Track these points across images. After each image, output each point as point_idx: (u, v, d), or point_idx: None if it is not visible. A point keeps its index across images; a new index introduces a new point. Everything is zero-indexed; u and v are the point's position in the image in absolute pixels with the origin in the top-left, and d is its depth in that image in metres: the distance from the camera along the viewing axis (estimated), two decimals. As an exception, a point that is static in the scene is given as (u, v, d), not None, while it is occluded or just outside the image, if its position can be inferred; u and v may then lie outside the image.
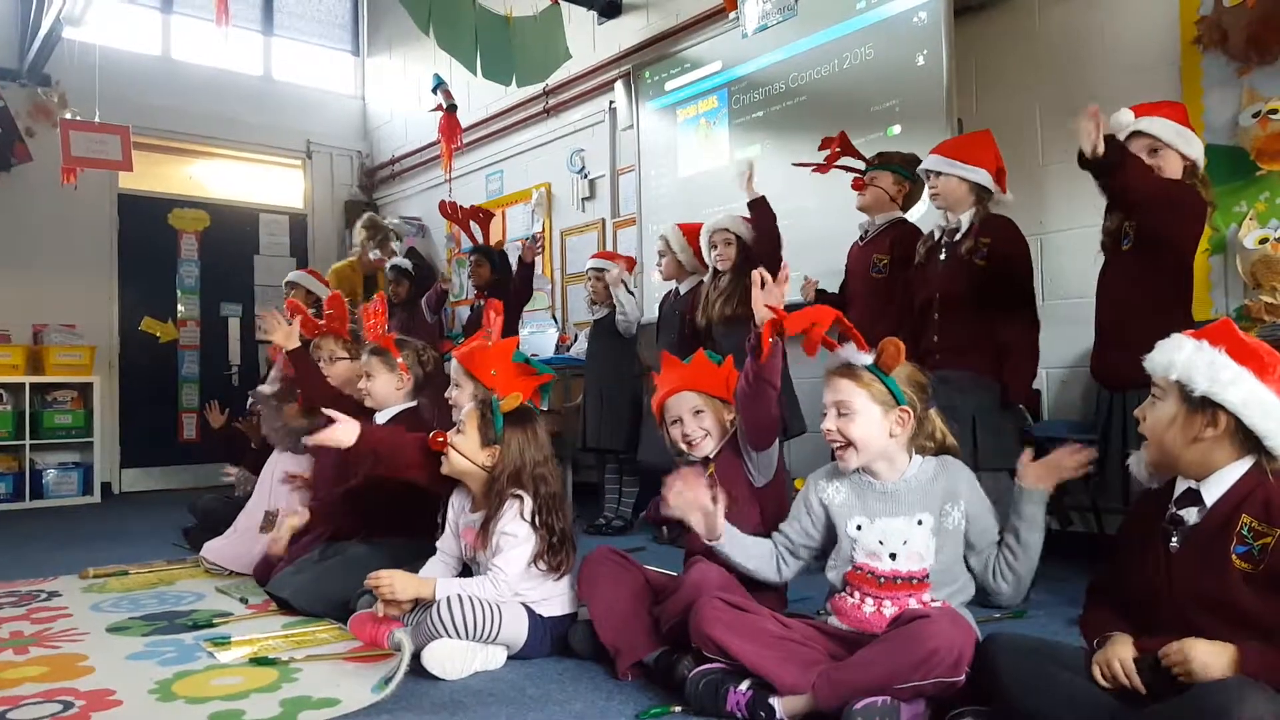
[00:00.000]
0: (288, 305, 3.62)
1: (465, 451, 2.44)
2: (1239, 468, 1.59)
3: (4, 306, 6.56)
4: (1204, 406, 1.58)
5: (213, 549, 3.61)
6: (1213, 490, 1.61)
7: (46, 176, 6.15)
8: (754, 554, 2.17)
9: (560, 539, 2.41)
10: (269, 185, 8.08)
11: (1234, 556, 1.54)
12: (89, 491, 6.56)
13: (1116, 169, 2.52)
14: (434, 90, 5.55)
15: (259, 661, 2.35)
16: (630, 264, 4.85)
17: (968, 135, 3.32)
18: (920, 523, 1.98)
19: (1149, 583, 1.65)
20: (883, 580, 1.98)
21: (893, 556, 1.98)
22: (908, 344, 2.04)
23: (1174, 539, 1.63)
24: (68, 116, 5.83)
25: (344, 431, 2.57)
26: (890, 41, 4.25)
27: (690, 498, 2.12)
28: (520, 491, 2.40)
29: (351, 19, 8.39)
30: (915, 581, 1.96)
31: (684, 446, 2.42)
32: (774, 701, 1.84)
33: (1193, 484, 1.64)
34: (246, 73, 7.81)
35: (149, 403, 7.24)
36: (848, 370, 2.03)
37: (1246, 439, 1.58)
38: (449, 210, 5.52)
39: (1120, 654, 1.59)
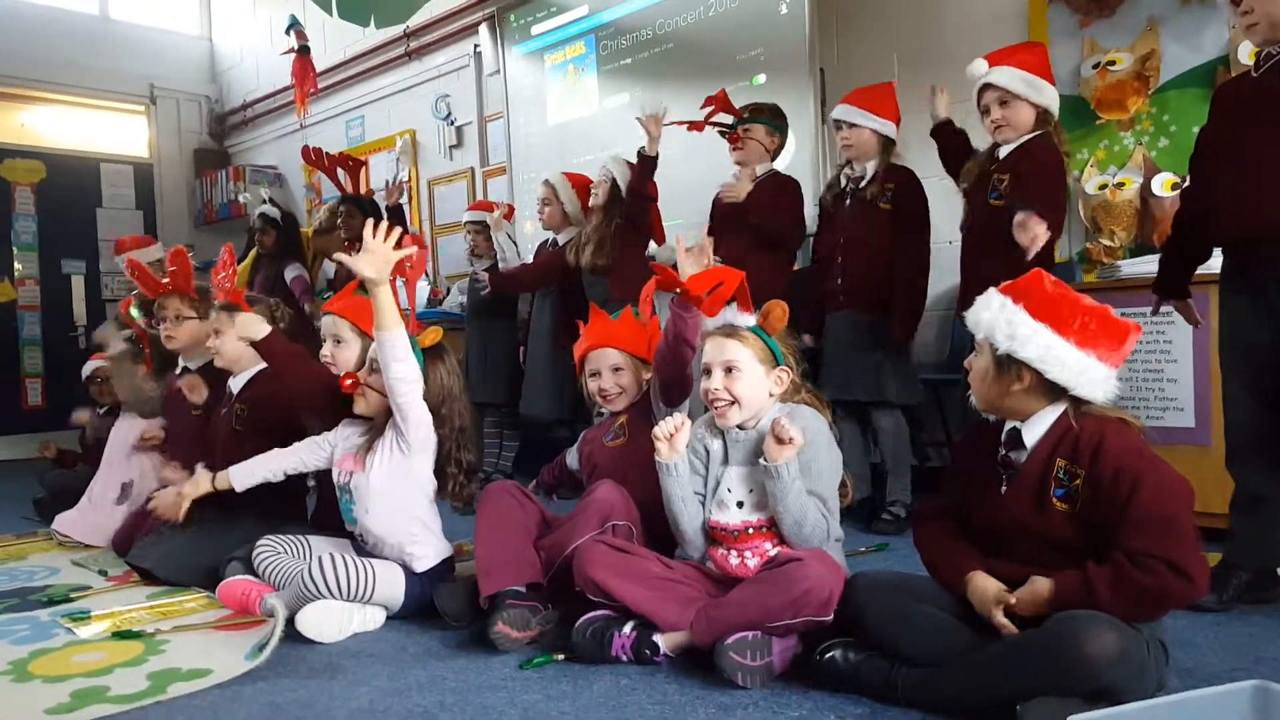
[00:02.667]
0: (128, 266, 3.40)
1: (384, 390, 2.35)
2: (1052, 413, 1.68)
3: None
4: (1010, 362, 1.67)
5: (66, 521, 3.43)
6: (1032, 433, 1.69)
7: None
8: (686, 493, 2.13)
9: (468, 474, 2.44)
10: (110, 133, 7.56)
11: (1054, 499, 1.64)
12: (-77, 464, 6.13)
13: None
14: (288, 31, 5.28)
15: (122, 635, 2.27)
16: (509, 212, 4.78)
17: (875, 87, 3.36)
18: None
19: (988, 517, 1.75)
20: (736, 534, 2.04)
21: (739, 505, 2.05)
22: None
23: (1003, 482, 1.73)
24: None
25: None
26: (754, -12, 4.26)
27: (669, 426, 2.10)
28: None
29: (194, -47, 7.87)
30: (765, 530, 2.02)
31: (599, 399, 2.49)
32: (657, 638, 1.92)
33: (1017, 424, 1.72)
34: (81, 10, 7.24)
35: (-14, 368, 6.76)
36: (732, 331, 2.06)
37: (1053, 388, 1.66)
38: (313, 156, 5.27)
39: (998, 596, 1.65)
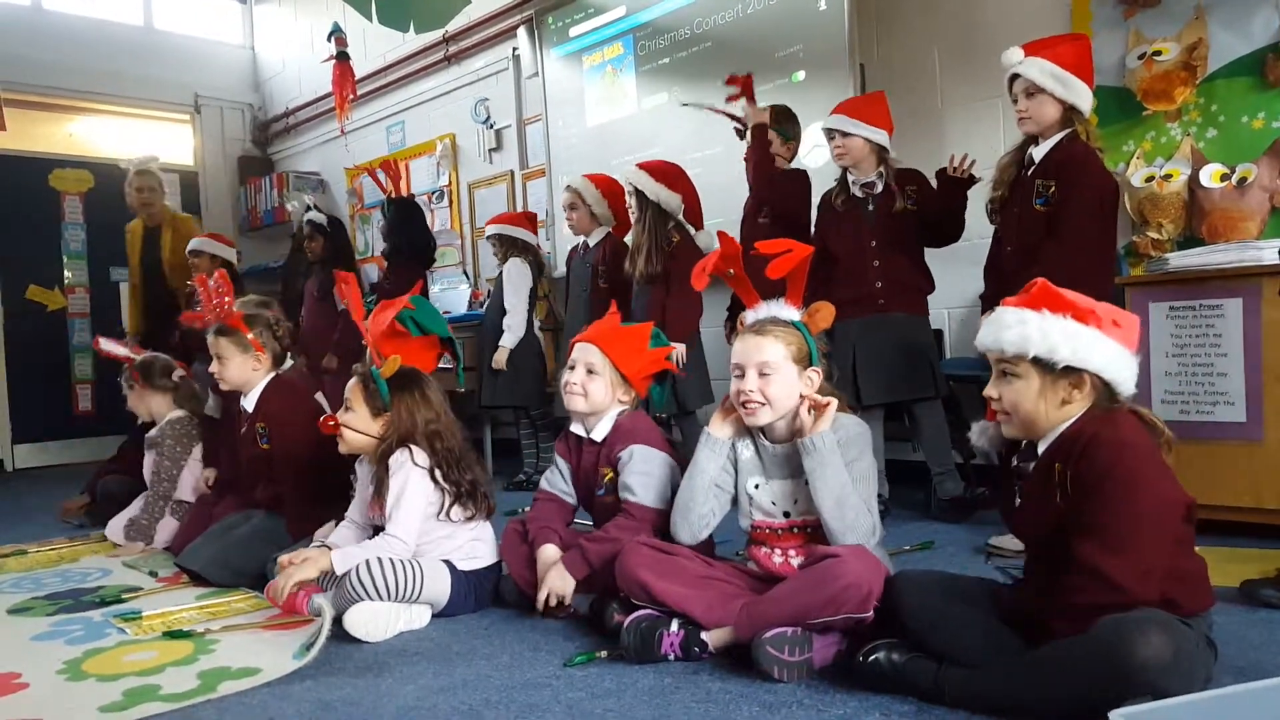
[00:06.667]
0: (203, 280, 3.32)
1: (358, 427, 2.41)
2: (1067, 421, 1.65)
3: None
4: (1067, 374, 1.62)
5: (116, 528, 3.49)
6: (1045, 443, 1.67)
7: (-88, 137, 5.73)
8: (712, 478, 2.12)
9: (469, 491, 2.41)
10: (157, 142, 7.65)
11: (1060, 504, 1.62)
12: (-21, 469, 6.26)
13: None
14: (329, 37, 5.34)
15: (173, 635, 2.30)
16: (531, 221, 4.74)
17: (866, 97, 3.47)
18: (808, 482, 2.01)
19: (1016, 531, 1.82)
20: (781, 533, 2.07)
21: (786, 515, 2.07)
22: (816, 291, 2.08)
23: (1016, 492, 1.74)
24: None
25: None
26: (792, -15, 4.24)
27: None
28: (410, 446, 2.38)
29: (236, -36, 7.98)
30: (810, 531, 2.04)
31: (563, 390, 2.45)
32: (705, 635, 1.92)
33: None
34: (126, 22, 7.38)
35: (40, 375, 6.88)
36: (763, 328, 2.03)
37: (1101, 389, 1.63)
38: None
39: None
